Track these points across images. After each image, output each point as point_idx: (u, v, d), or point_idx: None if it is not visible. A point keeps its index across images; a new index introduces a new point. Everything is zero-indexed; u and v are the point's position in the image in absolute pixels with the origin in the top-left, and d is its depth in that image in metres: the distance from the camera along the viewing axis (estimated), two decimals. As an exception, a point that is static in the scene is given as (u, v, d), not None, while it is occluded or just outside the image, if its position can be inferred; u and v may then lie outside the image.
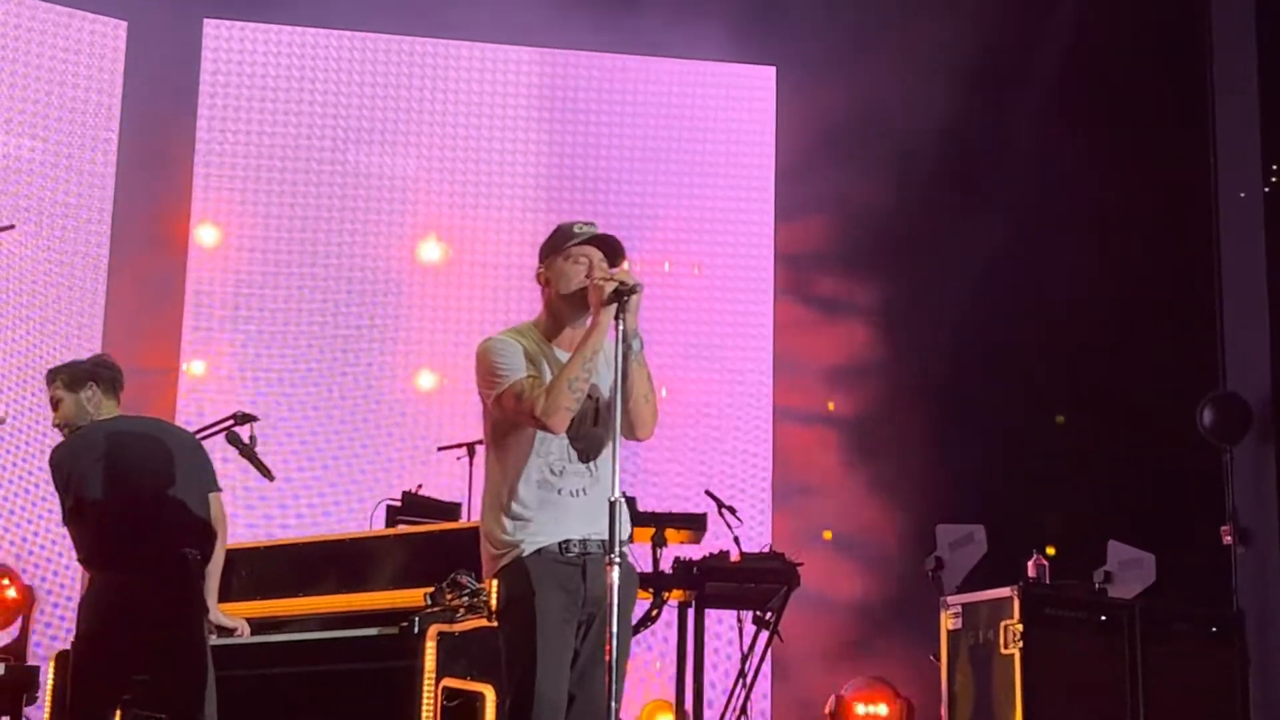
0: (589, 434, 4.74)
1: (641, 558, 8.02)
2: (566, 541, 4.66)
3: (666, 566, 7.99)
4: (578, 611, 4.65)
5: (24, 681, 6.72)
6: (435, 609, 5.88)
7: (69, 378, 6.06)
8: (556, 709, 4.57)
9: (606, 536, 4.53)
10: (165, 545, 5.80)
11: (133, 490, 5.85)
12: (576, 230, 4.82)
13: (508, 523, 4.69)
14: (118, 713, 6.39)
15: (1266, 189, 10.27)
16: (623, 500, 4.54)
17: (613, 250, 4.82)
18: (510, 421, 4.71)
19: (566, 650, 4.63)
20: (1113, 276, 10.49)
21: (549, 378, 4.69)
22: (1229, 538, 9.68)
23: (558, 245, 4.82)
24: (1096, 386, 10.30)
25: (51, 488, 6.00)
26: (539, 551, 4.65)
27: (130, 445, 5.94)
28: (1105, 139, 10.58)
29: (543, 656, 4.56)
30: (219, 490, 6.02)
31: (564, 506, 4.69)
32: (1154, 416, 10.11)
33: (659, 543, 7.98)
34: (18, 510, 9.74)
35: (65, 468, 5.91)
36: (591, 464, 4.75)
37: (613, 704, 4.45)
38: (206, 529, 5.91)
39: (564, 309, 4.81)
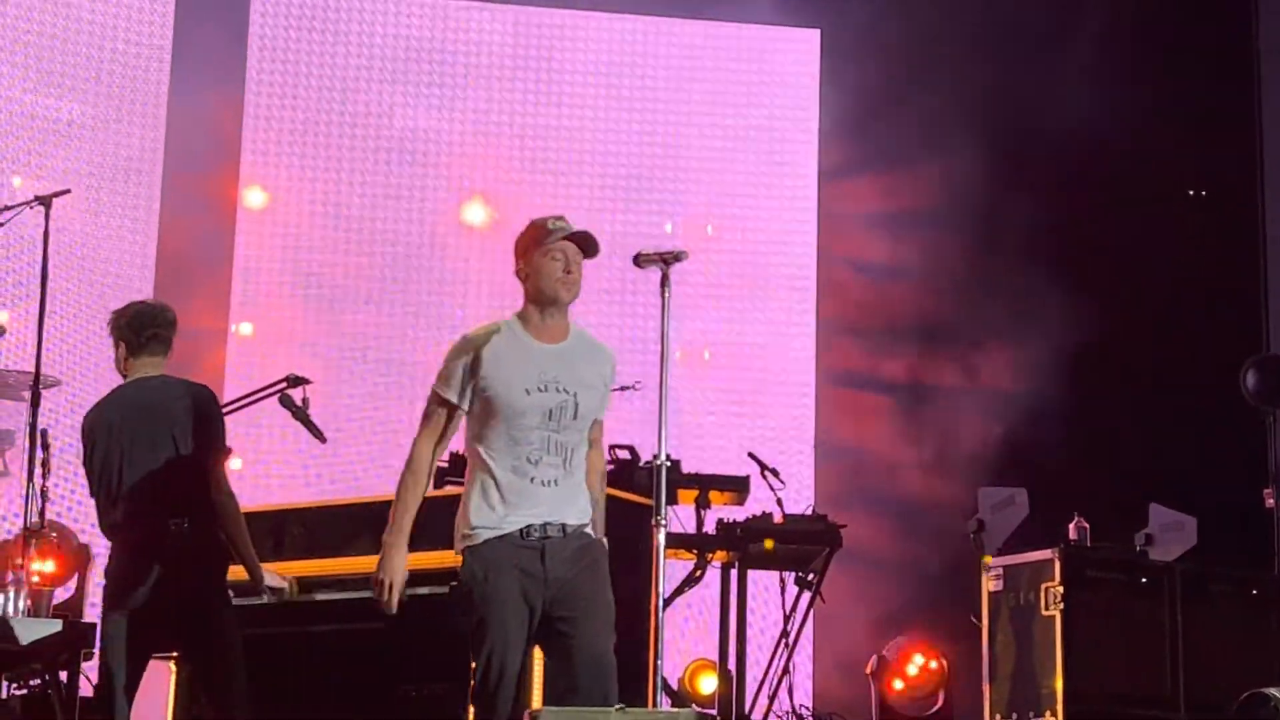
0: (569, 426, 4.90)
1: (686, 519, 8.11)
2: (528, 526, 4.87)
3: (710, 528, 8.07)
4: (541, 591, 4.85)
5: (81, 637, 6.83)
6: (484, 569, 5.97)
7: (109, 330, 6.02)
8: (511, 687, 4.81)
9: (567, 522, 4.85)
10: (153, 522, 5.73)
11: (114, 462, 5.79)
12: (551, 226, 4.95)
13: (478, 506, 4.92)
14: (172, 666, 6.56)
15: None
16: (566, 491, 4.83)
17: (588, 244, 4.97)
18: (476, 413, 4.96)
19: (519, 631, 4.83)
20: (1156, 239, 10.48)
21: (524, 368, 4.87)
22: (1271, 500, 9.69)
23: (536, 241, 4.96)
24: (1139, 349, 10.31)
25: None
26: (501, 538, 4.87)
27: (122, 416, 5.86)
28: (1150, 100, 10.55)
29: (500, 640, 4.80)
30: (220, 454, 5.81)
31: (533, 495, 4.89)
32: (1197, 379, 10.12)
33: (703, 504, 8.08)
34: (75, 469, 9.86)
35: (83, 436, 5.93)
36: (566, 457, 4.93)
37: (659, 661, 4.59)
38: (197, 494, 5.74)
39: (541, 301, 4.96)
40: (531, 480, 4.88)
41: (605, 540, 5.05)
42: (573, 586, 4.85)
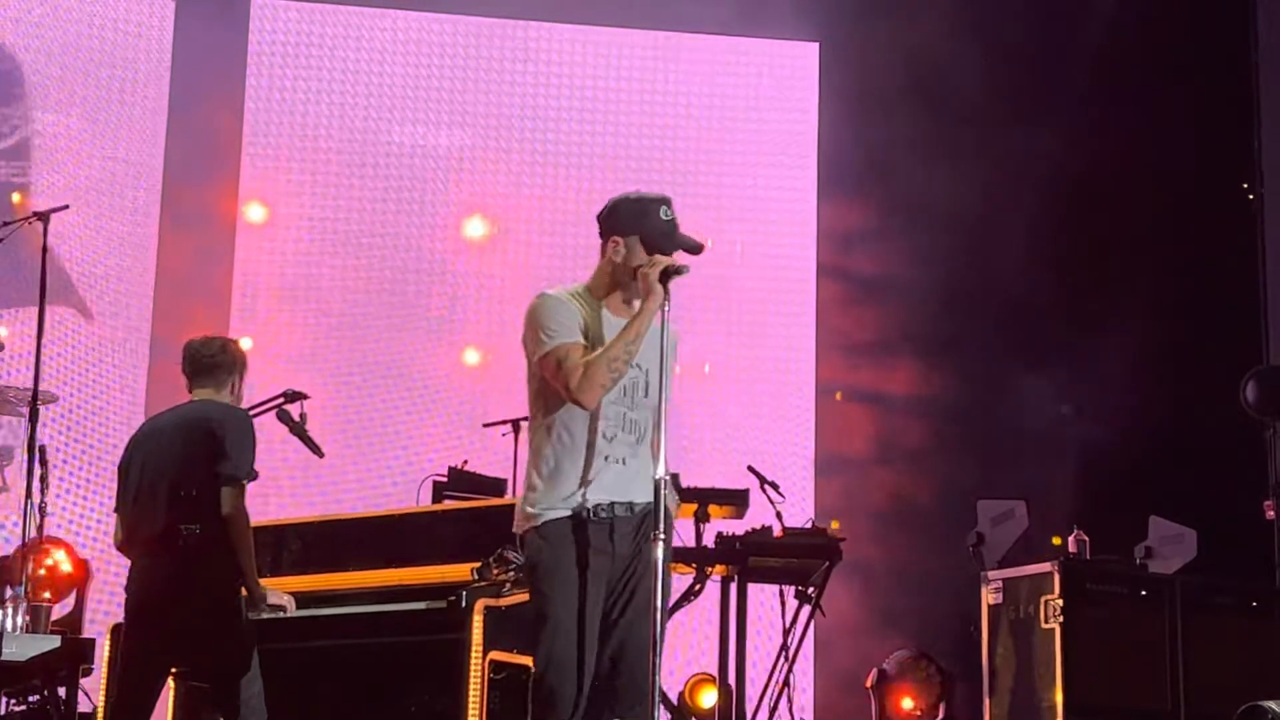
0: (640, 403, 4.83)
1: (685, 533, 8.10)
2: (597, 505, 4.77)
3: (709, 541, 8.06)
4: (608, 569, 4.76)
5: (80, 653, 6.84)
6: (482, 583, 5.98)
7: None
8: (580, 667, 4.69)
9: (634, 499, 4.73)
10: (166, 527, 5.83)
11: (140, 475, 5.94)
12: (664, 218, 4.81)
13: (545, 483, 4.79)
14: (170, 683, 6.56)
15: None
16: (668, 478, 4.65)
17: (695, 253, 4.86)
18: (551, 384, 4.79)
19: (593, 608, 4.74)
20: (1155, 250, 10.49)
21: (605, 340, 4.76)
22: (1271, 513, 9.67)
23: (642, 229, 4.80)
24: (1139, 360, 10.30)
25: (104, 463, 6.16)
26: (568, 515, 4.76)
27: (152, 432, 6.06)
28: (1148, 107, 10.57)
29: (567, 617, 4.69)
30: (240, 480, 5.84)
31: (604, 472, 4.79)
32: (1197, 391, 10.11)
33: (702, 518, 8.06)
34: (74, 485, 9.88)
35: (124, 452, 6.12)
36: (639, 436, 4.85)
37: (656, 678, 4.57)
38: (210, 507, 5.81)
39: (626, 280, 4.83)
40: (606, 459, 4.77)
41: (679, 500, 5.05)
42: (630, 566, 4.75)
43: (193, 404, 6.08)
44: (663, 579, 4.76)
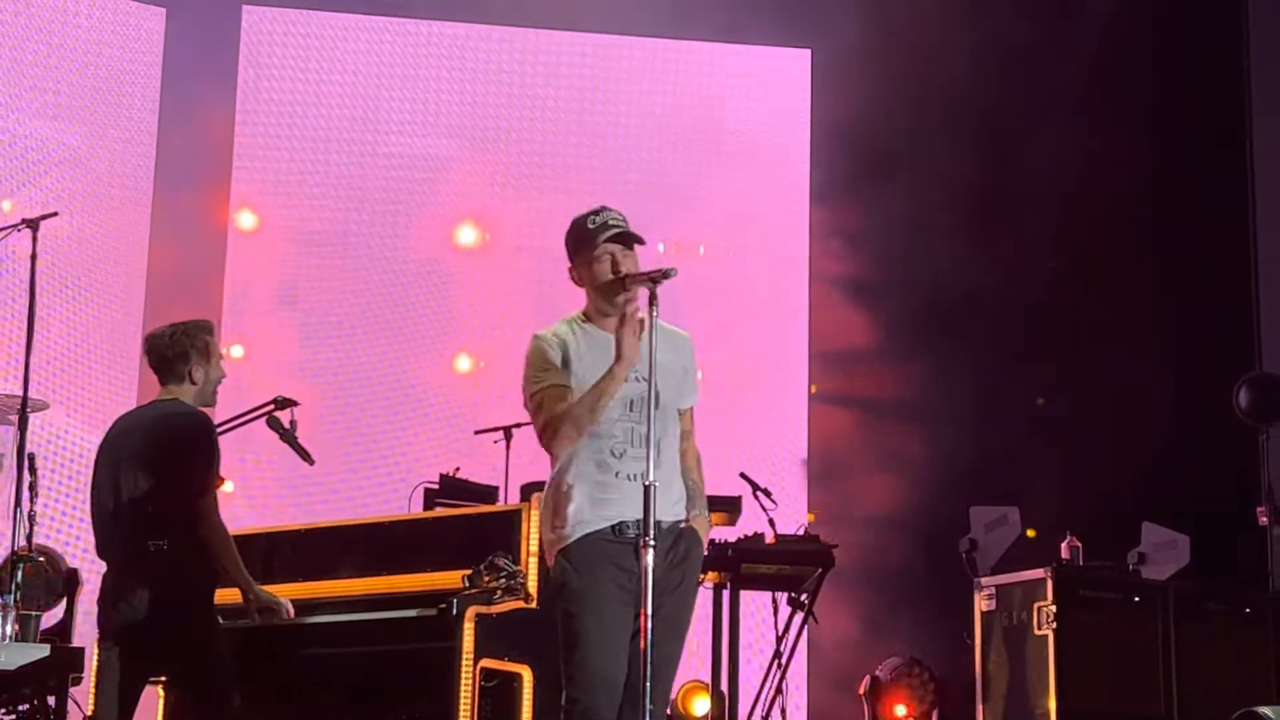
0: (653, 417, 4.75)
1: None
2: (621, 523, 4.76)
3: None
4: (634, 587, 4.71)
5: (69, 662, 6.81)
6: (473, 591, 5.96)
7: None
8: (613, 687, 4.69)
9: (660, 519, 4.67)
10: (134, 545, 5.78)
11: (104, 485, 5.90)
12: (590, 225, 4.91)
13: (564, 506, 4.80)
14: (161, 691, 6.54)
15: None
16: (658, 485, 4.63)
17: (633, 241, 4.93)
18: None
19: (622, 630, 4.73)
20: (1148, 256, 10.49)
21: (602, 359, 4.79)
22: (1264, 519, 9.68)
23: (580, 244, 4.92)
24: (1132, 366, 10.31)
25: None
26: (591, 535, 4.76)
27: (116, 438, 5.99)
28: (1141, 114, 10.58)
29: (598, 637, 4.68)
30: (206, 495, 5.77)
31: (620, 490, 4.78)
32: (1189, 397, 10.11)
33: (695, 524, 8.03)
34: (63, 493, 9.85)
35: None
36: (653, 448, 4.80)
37: (648, 684, 4.55)
38: (177, 518, 5.75)
39: (601, 301, 4.93)
40: (617, 475, 4.77)
41: (710, 519, 5.04)
42: (660, 587, 4.67)
43: (155, 406, 6.00)
44: (681, 593, 4.81)
